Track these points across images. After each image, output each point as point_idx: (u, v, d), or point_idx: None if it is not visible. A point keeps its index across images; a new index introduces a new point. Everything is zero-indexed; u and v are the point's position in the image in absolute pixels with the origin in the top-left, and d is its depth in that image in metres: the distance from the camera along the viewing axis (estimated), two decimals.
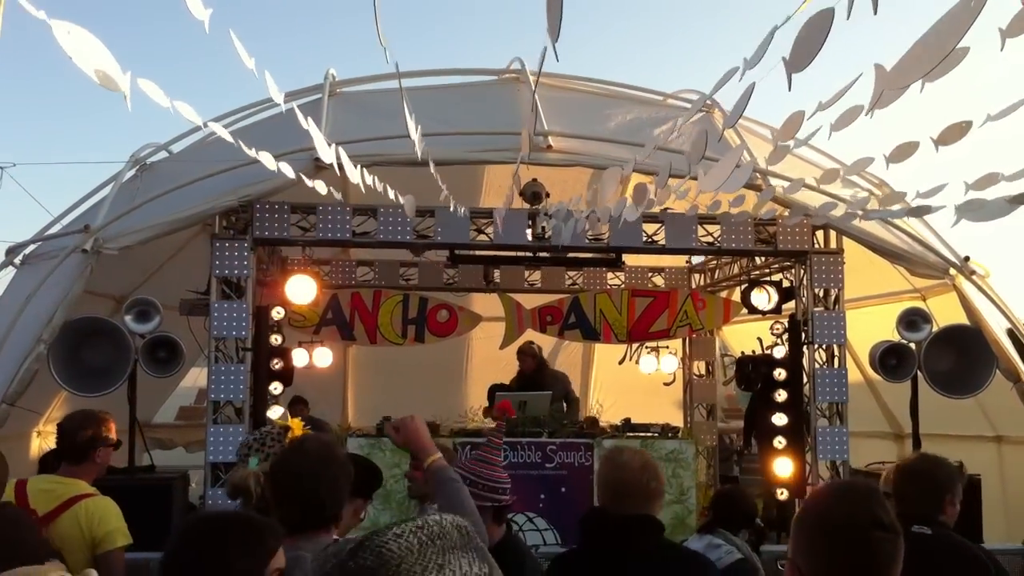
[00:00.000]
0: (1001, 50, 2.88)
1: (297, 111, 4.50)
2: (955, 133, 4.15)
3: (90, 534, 4.67)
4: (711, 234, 9.46)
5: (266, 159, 4.80)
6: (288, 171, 5.26)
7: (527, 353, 11.35)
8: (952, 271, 8.97)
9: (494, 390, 10.93)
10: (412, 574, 1.42)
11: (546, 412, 10.09)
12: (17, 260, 8.87)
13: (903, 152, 4.58)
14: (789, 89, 3.15)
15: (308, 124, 4.37)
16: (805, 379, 9.69)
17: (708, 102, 9.08)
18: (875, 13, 2.59)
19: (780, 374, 9.92)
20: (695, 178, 5.14)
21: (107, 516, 4.78)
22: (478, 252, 10.36)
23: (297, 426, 5.14)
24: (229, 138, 4.47)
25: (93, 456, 5.02)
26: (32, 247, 8.94)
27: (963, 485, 4.54)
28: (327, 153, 4.78)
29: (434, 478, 3.51)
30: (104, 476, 7.61)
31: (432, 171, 6.45)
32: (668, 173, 4.97)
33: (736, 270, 11.88)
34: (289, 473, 3.34)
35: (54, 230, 9.01)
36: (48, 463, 8.17)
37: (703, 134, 4.35)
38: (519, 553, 4.00)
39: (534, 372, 11.25)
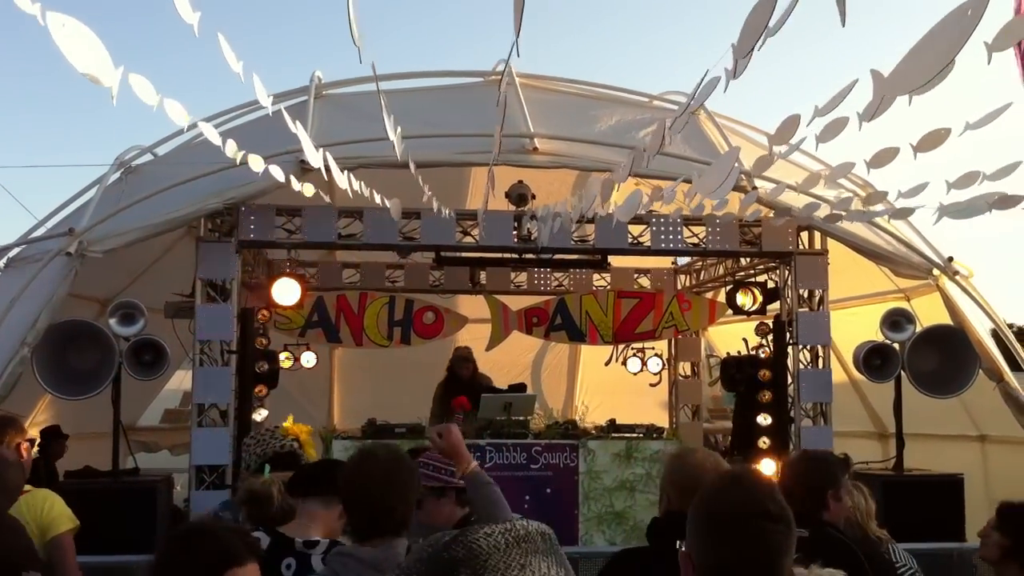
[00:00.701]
0: (988, 63, 2.90)
1: (286, 115, 4.51)
2: (934, 140, 4.18)
3: (36, 523, 4.70)
4: (696, 235, 9.50)
5: (254, 161, 4.80)
6: (277, 173, 5.27)
7: (469, 359, 11.26)
8: (936, 272, 9.02)
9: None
10: (496, 570, 1.57)
11: (532, 414, 10.10)
12: (1, 264, 8.82)
13: (884, 158, 4.62)
14: (734, 77, 3.18)
15: (297, 128, 4.38)
16: (790, 379, 9.72)
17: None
18: (843, 25, 2.61)
19: (765, 375, 9.95)
20: (688, 181, 5.16)
21: (49, 503, 4.85)
22: (464, 254, 10.37)
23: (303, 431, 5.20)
24: (217, 140, 4.47)
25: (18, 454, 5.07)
26: (16, 250, 8.90)
27: (848, 477, 4.51)
28: (315, 157, 4.79)
29: (472, 482, 3.77)
30: (87, 479, 7.62)
31: (413, 172, 6.45)
32: (629, 167, 4.98)
33: (721, 271, 11.92)
34: (359, 481, 3.39)
35: (38, 233, 8.96)
36: (39, 474, 8.16)
37: (661, 127, 4.36)
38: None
39: (471, 377, 11.15)
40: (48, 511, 4.80)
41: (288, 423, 5.55)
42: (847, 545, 3.94)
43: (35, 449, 9.53)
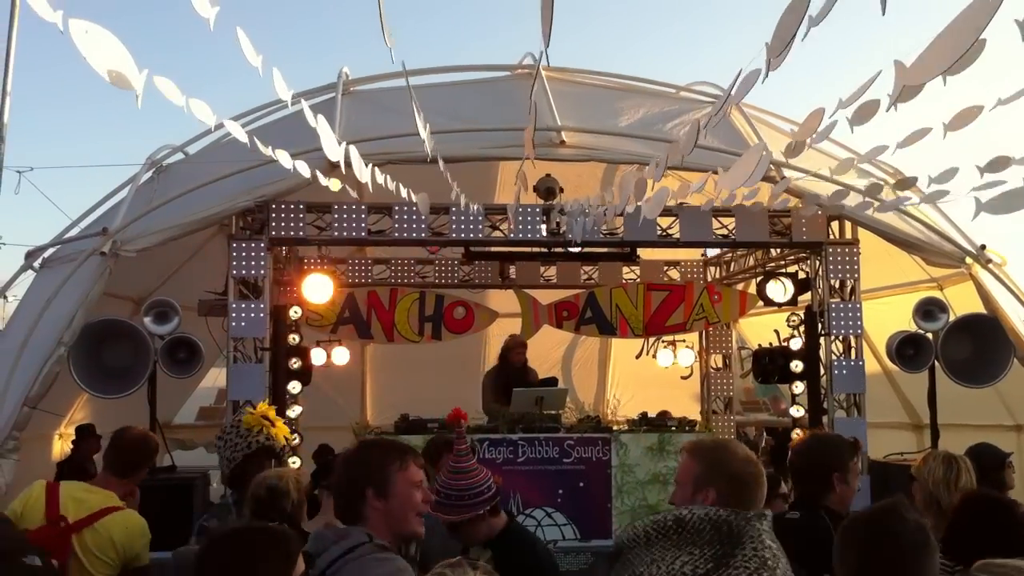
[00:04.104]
0: (1023, 40, 2.87)
1: (307, 109, 4.52)
2: (965, 118, 4.15)
3: (126, 549, 4.69)
4: (726, 227, 9.45)
5: (283, 158, 4.83)
6: (304, 170, 5.29)
7: (523, 345, 11.19)
8: (968, 260, 8.94)
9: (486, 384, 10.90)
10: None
11: (563, 407, 10.09)
12: (36, 264, 8.92)
13: (915, 138, 4.59)
14: (766, 75, 3.15)
15: (316, 123, 4.39)
16: (822, 371, 9.66)
17: (720, 95, 9.07)
18: (883, 14, 2.59)
19: (797, 366, 9.91)
20: (716, 172, 5.14)
21: (143, 533, 4.81)
22: (493, 249, 10.37)
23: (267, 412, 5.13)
24: (244, 138, 4.50)
25: (140, 474, 5.10)
26: (51, 250, 9.00)
27: (857, 461, 4.43)
28: (335, 152, 4.80)
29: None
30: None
31: (441, 168, 6.47)
32: (664, 164, 4.96)
33: (751, 262, 11.85)
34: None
35: (72, 233, 9.06)
36: (64, 470, 8.25)
37: (691, 121, 4.35)
38: (527, 534, 4.01)
39: (524, 365, 11.15)
40: (139, 540, 4.76)
41: (252, 412, 5.43)
42: (828, 533, 3.68)
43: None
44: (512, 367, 11.03)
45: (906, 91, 3.08)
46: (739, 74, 3.54)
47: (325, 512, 3.97)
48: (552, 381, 11.43)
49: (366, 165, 5.30)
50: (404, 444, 3.52)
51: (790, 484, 5.98)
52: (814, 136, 4.49)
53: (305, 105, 4.56)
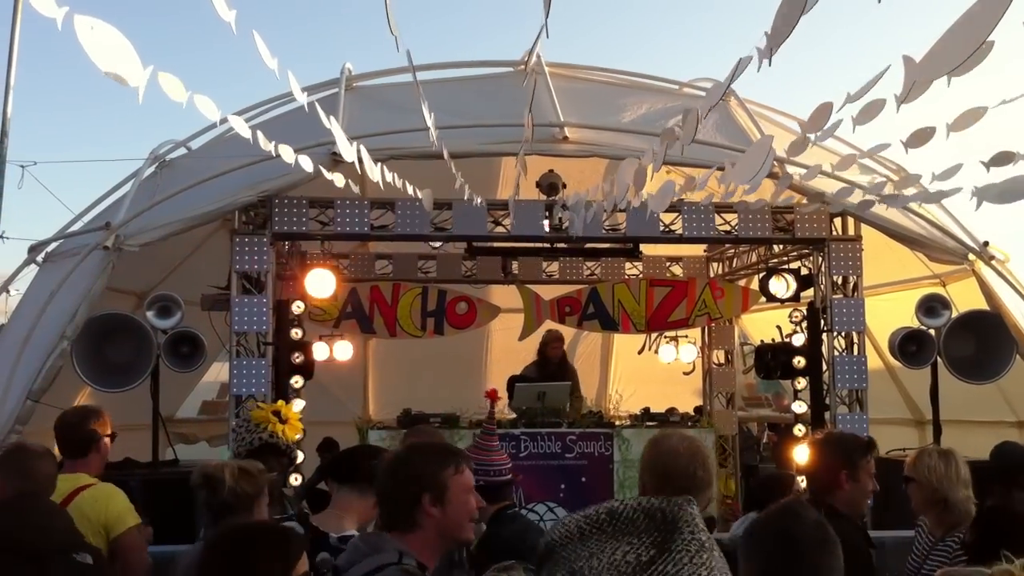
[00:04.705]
0: None
1: (320, 110, 4.53)
2: (969, 119, 4.15)
3: (100, 520, 4.71)
4: (728, 222, 9.44)
5: (286, 153, 4.84)
6: (307, 165, 5.30)
7: (560, 340, 11.41)
8: (971, 256, 8.93)
9: (514, 381, 10.93)
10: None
11: (566, 403, 10.11)
12: (39, 258, 8.94)
13: (920, 138, 4.58)
14: (769, 64, 3.14)
15: (331, 123, 4.41)
16: (824, 366, 9.66)
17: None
18: (879, 1, 2.58)
19: (799, 362, 9.90)
20: (721, 168, 5.13)
21: (112, 499, 4.84)
22: (496, 244, 10.37)
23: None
24: (247, 133, 4.51)
25: (96, 448, 5.11)
26: (54, 245, 9.01)
27: (870, 460, 4.37)
28: (348, 150, 4.82)
29: None
30: (127, 471, 7.73)
31: (447, 160, 6.47)
32: (663, 153, 4.95)
33: (754, 258, 11.85)
34: None
35: (75, 228, 9.08)
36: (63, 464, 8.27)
37: (694, 114, 4.32)
38: (519, 516, 4.10)
39: (562, 359, 11.28)
40: (110, 506, 4.78)
41: (262, 408, 5.43)
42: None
43: None
44: (551, 361, 11.13)
45: (916, 88, 3.07)
46: (738, 63, 3.54)
47: (335, 506, 3.96)
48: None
49: (375, 164, 5.31)
50: (454, 447, 3.54)
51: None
52: (820, 133, 4.48)
53: (317, 104, 4.57)
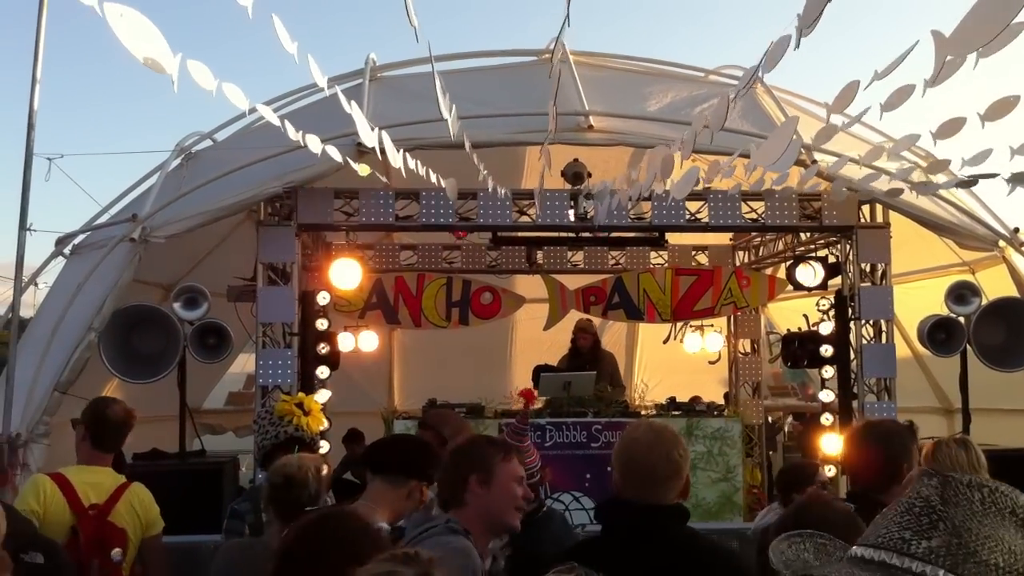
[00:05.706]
0: None
1: (341, 96, 4.53)
2: (1002, 108, 4.09)
3: (143, 520, 4.83)
4: (755, 210, 9.37)
5: (312, 142, 4.83)
6: (334, 155, 5.30)
7: (586, 330, 11.39)
8: (1001, 243, 8.84)
9: (539, 371, 10.92)
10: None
11: (591, 393, 10.08)
12: (67, 250, 9.00)
13: (950, 128, 4.53)
14: (797, 46, 3.10)
15: (351, 108, 4.39)
16: (852, 355, 9.59)
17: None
18: None
19: (827, 350, 9.83)
20: (746, 155, 5.08)
21: (152, 502, 5.02)
22: (520, 234, 10.35)
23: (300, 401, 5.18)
24: (276, 121, 4.51)
25: (120, 447, 5.22)
26: (81, 237, 9.06)
27: (916, 447, 4.23)
28: (370, 137, 4.80)
29: None
30: (155, 461, 7.78)
31: (468, 151, 6.45)
32: (692, 142, 4.91)
33: (781, 246, 11.76)
34: None
35: (102, 220, 9.12)
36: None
37: (724, 102, 4.27)
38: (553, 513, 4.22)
39: (591, 349, 11.27)
40: (151, 509, 4.97)
41: (286, 400, 5.42)
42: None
43: None
44: (581, 351, 11.14)
45: (947, 67, 3.01)
46: (770, 46, 3.49)
47: (367, 497, 3.94)
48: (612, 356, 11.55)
49: (398, 151, 5.30)
50: (512, 443, 3.82)
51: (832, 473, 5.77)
52: (848, 120, 4.43)
53: (341, 94, 4.57)
